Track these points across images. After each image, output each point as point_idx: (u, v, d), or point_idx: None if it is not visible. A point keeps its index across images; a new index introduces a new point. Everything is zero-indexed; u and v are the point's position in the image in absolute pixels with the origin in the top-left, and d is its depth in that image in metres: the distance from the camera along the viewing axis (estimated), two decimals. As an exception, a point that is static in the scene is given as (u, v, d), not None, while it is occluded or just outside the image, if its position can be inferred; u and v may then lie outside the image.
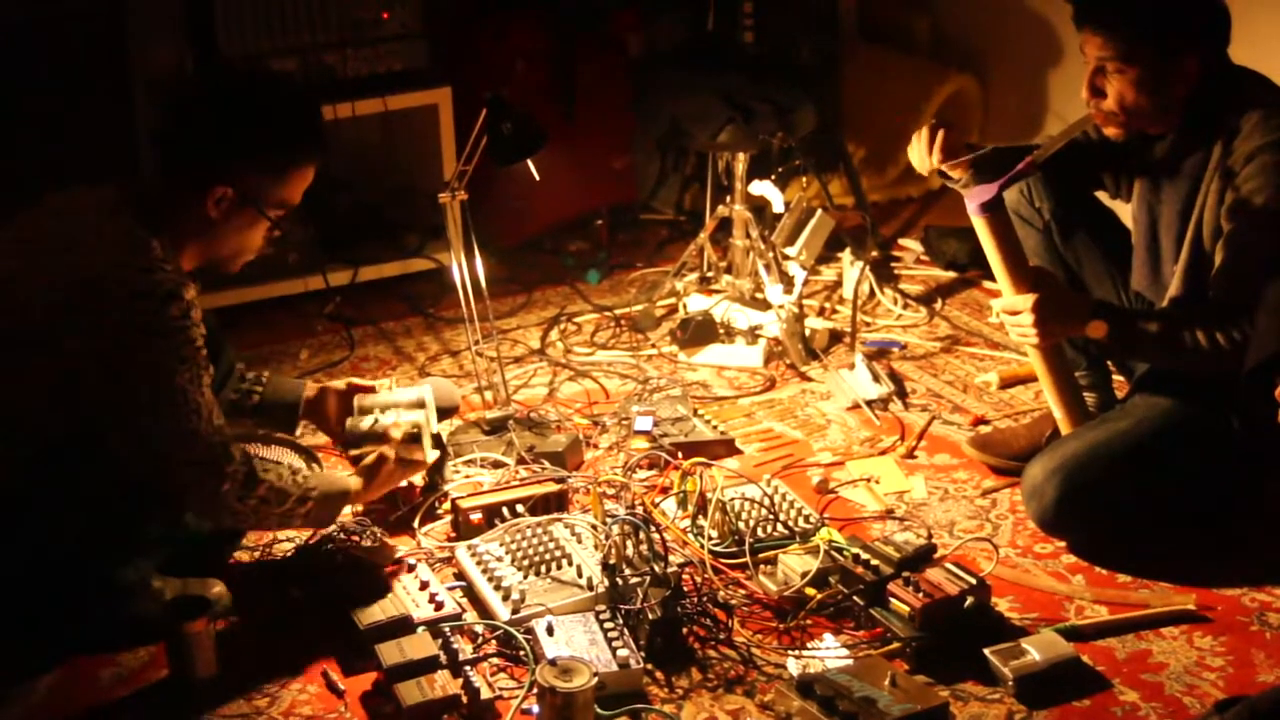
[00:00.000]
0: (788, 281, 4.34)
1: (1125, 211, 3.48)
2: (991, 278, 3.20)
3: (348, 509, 3.24)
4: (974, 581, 2.97)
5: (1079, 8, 3.13)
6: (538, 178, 3.72)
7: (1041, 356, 3.27)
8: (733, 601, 3.08)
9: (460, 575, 3.17)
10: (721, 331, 4.31)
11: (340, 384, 3.50)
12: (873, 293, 4.63)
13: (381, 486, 3.27)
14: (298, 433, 3.53)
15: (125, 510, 2.87)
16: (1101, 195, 3.50)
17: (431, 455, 3.34)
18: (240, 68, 3.07)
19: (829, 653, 2.90)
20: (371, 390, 3.47)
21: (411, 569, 3.12)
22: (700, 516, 3.25)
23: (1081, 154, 3.31)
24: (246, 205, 2.91)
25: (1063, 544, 3.30)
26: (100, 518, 2.84)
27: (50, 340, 2.77)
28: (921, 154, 3.33)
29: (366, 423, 3.32)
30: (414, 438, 3.30)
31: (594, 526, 3.21)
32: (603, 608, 2.95)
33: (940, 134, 3.30)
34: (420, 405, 3.40)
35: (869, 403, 3.95)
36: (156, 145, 2.95)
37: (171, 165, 2.92)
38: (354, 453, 3.30)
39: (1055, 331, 3.17)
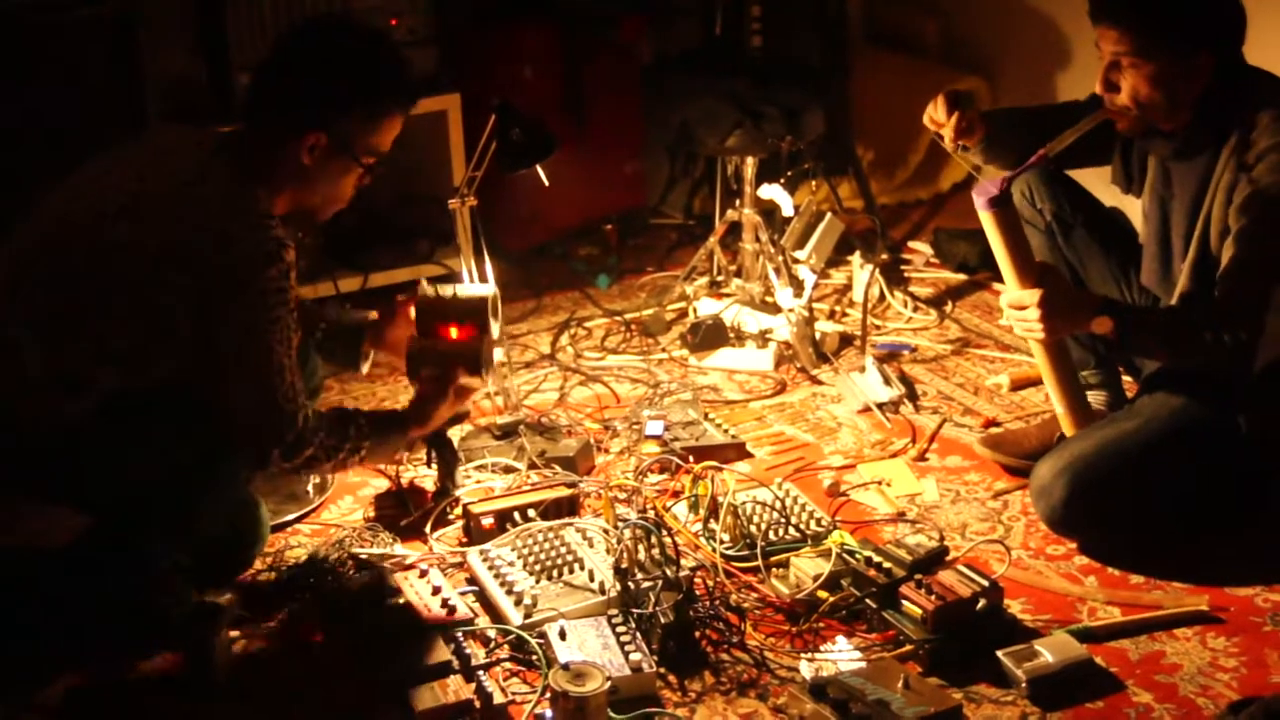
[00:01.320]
0: (798, 285, 4.34)
1: (1135, 208, 3.48)
2: (1001, 280, 3.20)
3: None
4: (986, 583, 2.97)
5: (1095, 2, 3.14)
6: (547, 183, 3.72)
7: (1045, 352, 3.26)
8: (745, 605, 3.08)
9: (472, 580, 3.17)
10: (732, 335, 4.31)
11: (402, 298, 3.51)
12: (883, 296, 4.63)
13: (438, 419, 3.32)
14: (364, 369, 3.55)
15: (188, 467, 2.88)
16: (1113, 189, 3.50)
17: (489, 374, 3.37)
18: (335, 18, 3.11)
19: (842, 655, 2.90)
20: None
21: (424, 574, 3.12)
22: (712, 520, 3.25)
23: (1094, 136, 3.31)
24: (340, 152, 2.94)
25: (1075, 546, 3.29)
26: (159, 475, 2.86)
27: (147, 284, 2.79)
28: (935, 119, 3.41)
29: (429, 350, 3.33)
30: (477, 316, 3.33)
31: (606, 531, 3.21)
32: (615, 612, 2.96)
33: (954, 119, 3.33)
34: (482, 308, 3.40)
35: (880, 405, 3.94)
36: (252, 91, 2.97)
37: (267, 111, 2.94)
38: (415, 379, 3.33)
39: (1060, 327, 3.17)
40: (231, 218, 2.82)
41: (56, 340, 2.82)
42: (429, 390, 3.30)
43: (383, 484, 3.62)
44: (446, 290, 3.40)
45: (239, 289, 2.80)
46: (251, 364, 2.85)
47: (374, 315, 3.51)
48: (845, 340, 4.37)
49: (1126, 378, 3.69)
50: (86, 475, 2.84)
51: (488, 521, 3.30)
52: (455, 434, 3.59)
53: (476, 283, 3.53)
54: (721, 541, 3.20)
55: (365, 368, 3.52)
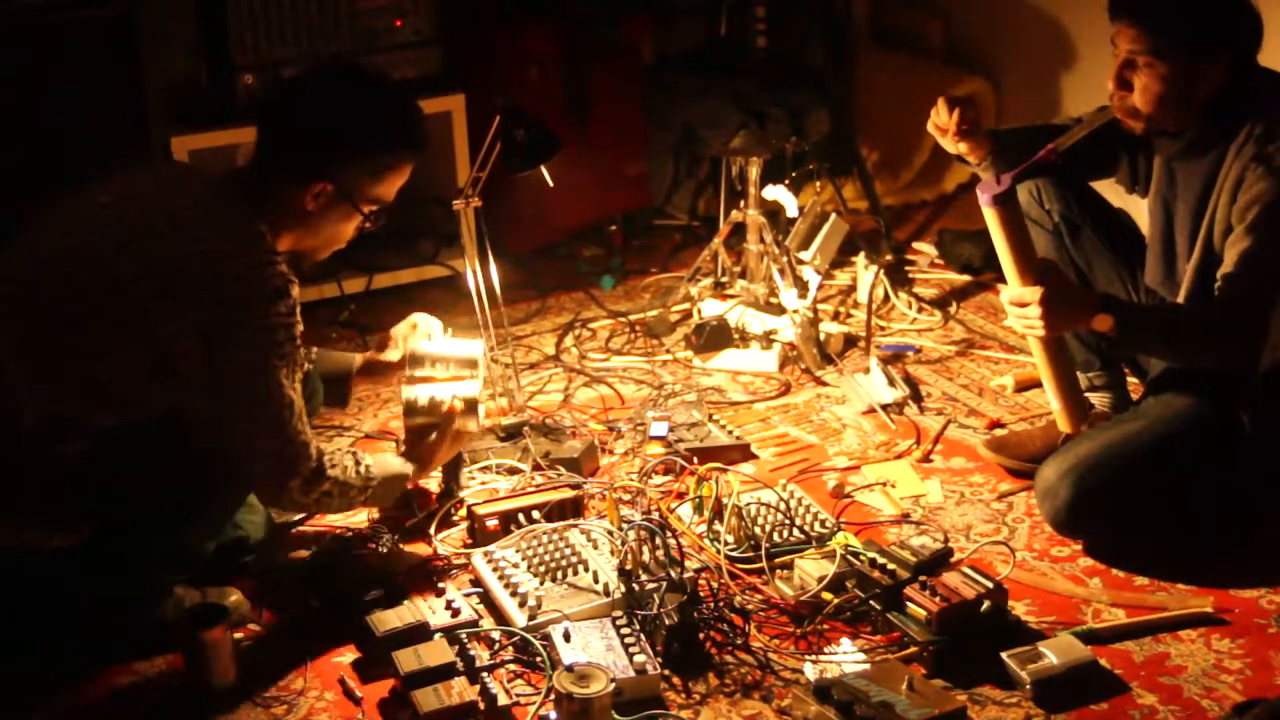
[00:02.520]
0: (802, 286, 4.34)
1: (1139, 207, 3.48)
2: (1005, 279, 3.20)
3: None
4: (991, 585, 2.97)
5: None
6: (551, 184, 3.72)
7: (1044, 349, 3.26)
8: (749, 606, 3.07)
9: (476, 582, 3.17)
10: (736, 336, 4.30)
11: (393, 356, 3.53)
12: (887, 297, 4.62)
13: (436, 462, 3.34)
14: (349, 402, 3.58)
15: (190, 495, 2.89)
16: (1118, 189, 3.50)
17: (481, 421, 3.39)
18: (348, 66, 3.13)
19: (846, 657, 2.90)
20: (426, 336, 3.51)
21: (441, 593, 3.12)
22: (716, 521, 3.24)
23: (1100, 144, 3.31)
24: (343, 200, 2.96)
25: (1079, 547, 3.29)
26: (157, 505, 2.87)
27: (151, 322, 2.78)
28: (938, 124, 3.41)
29: (423, 398, 3.33)
30: (468, 407, 3.32)
31: (610, 532, 3.21)
32: (619, 613, 2.96)
33: (956, 113, 3.33)
34: (473, 365, 3.42)
35: (884, 407, 3.94)
36: (262, 135, 2.97)
37: (275, 156, 2.94)
38: (410, 423, 3.35)
39: (1061, 324, 3.17)
40: (238, 254, 2.82)
41: (51, 381, 2.81)
42: (427, 435, 3.31)
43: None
44: (436, 348, 3.45)
45: (245, 324, 2.80)
46: (262, 399, 2.84)
47: (359, 359, 3.52)
48: (850, 341, 4.37)
49: (1132, 380, 3.68)
50: (81, 513, 2.85)
51: (492, 523, 3.30)
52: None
53: (454, 341, 3.53)
54: (726, 543, 3.19)
55: (349, 401, 3.57)
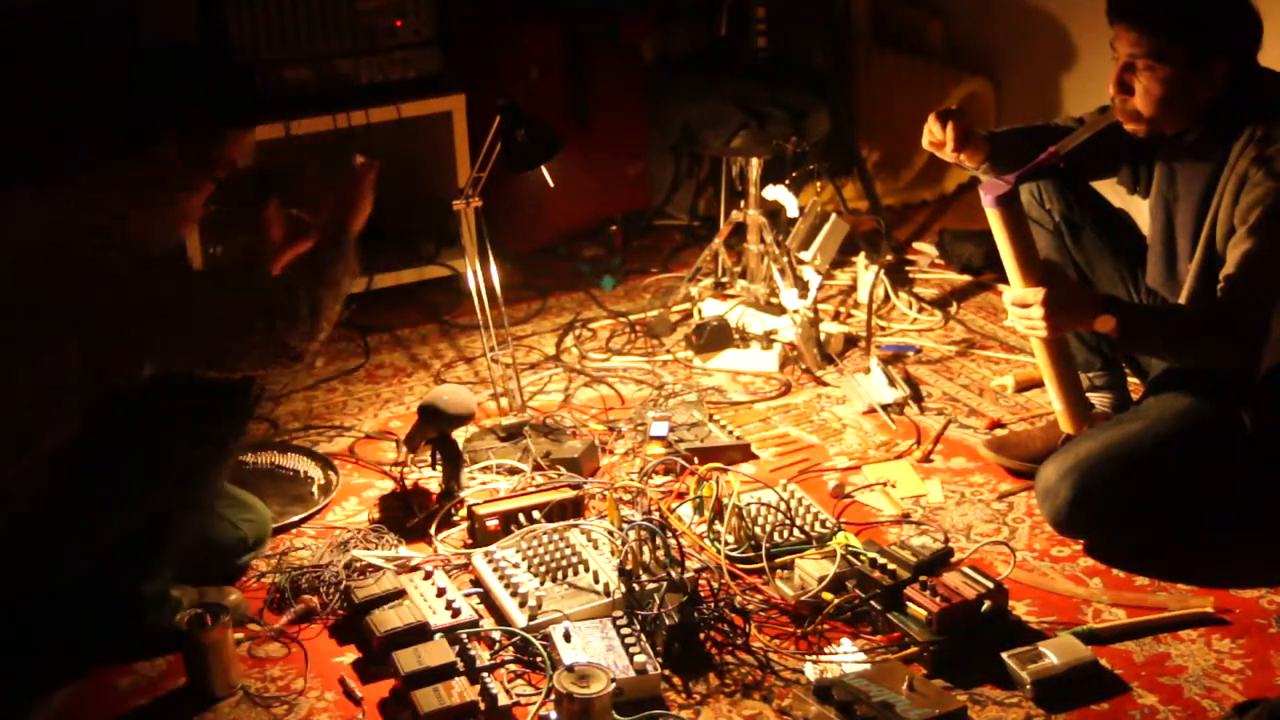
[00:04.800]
0: (802, 286, 4.34)
1: (1141, 208, 3.48)
2: (1006, 280, 3.20)
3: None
4: (991, 585, 2.97)
5: (1114, 2, 3.14)
6: (552, 184, 3.72)
7: (1046, 350, 3.26)
8: (749, 607, 3.08)
9: (477, 582, 3.17)
10: (736, 336, 4.30)
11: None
12: (887, 297, 4.62)
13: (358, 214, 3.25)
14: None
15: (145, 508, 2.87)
16: (1119, 190, 3.50)
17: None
18: (165, 44, 3.11)
19: (846, 657, 2.90)
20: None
21: (429, 576, 3.12)
22: (716, 522, 3.24)
23: (1101, 146, 3.31)
24: (191, 169, 2.92)
25: (1080, 547, 3.29)
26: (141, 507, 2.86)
27: (44, 327, 2.74)
28: (934, 140, 3.40)
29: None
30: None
31: (610, 532, 3.21)
32: (619, 614, 2.96)
33: (951, 125, 3.33)
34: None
35: (885, 407, 3.94)
36: (99, 121, 2.96)
37: (112, 140, 2.91)
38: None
39: (1063, 324, 3.17)
40: (71, 236, 2.77)
41: None
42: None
43: (387, 485, 3.62)
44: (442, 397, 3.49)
45: (124, 277, 2.76)
46: (204, 304, 2.83)
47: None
48: (850, 341, 4.36)
49: (1132, 380, 3.68)
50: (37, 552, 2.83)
51: (492, 523, 3.30)
52: (460, 435, 3.59)
53: (465, 397, 3.55)
54: (726, 543, 3.19)
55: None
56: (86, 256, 2.76)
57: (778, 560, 3.17)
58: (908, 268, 4.90)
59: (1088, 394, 3.50)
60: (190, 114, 2.91)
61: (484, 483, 3.57)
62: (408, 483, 3.61)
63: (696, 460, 3.50)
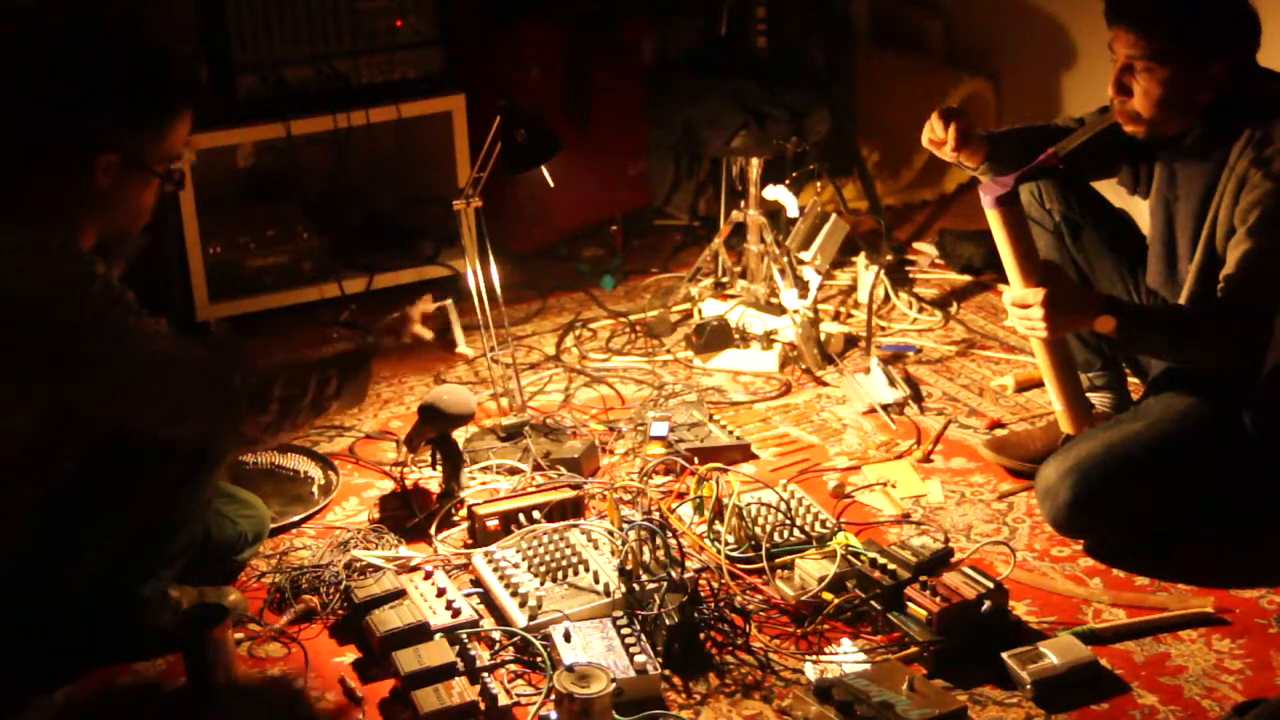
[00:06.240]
0: (803, 286, 4.34)
1: (1141, 209, 3.48)
2: (1006, 280, 3.20)
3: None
4: (991, 585, 2.97)
5: (1112, 5, 3.14)
6: (552, 184, 3.72)
7: (1047, 350, 3.26)
8: (750, 607, 3.07)
9: (477, 582, 3.17)
10: (737, 336, 4.30)
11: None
12: (888, 297, 4.62)
13: (398, 345, 3.19)
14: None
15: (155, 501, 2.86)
16: (1119, 190, 3.50)
17: (462, 348, 3.36)
18: (79, 31, 2.98)
19: (846, 657, 2.90)
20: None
21: (429, 576, 3.12)
22: (717, 522, 3.24)
23: (1101, 147, 3.31)
24: (134, 168, 2.80)
25: (1080, 547, 3.29)
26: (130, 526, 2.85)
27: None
28: (934, 139, 3.40)
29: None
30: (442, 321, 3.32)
31: (610, 532, 3.21)
32: (620, 614, 2.95)
33: (953, 127, 3.33)
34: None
35: (885, 407, 3.94)
36: (28, 131, 2.78)
37: (46, 148, 2.76)
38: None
39: (1064, 325, 3.17)
40: (21, 274, 2.68)
41: None
42: (389, 322, 3.19)
43: (387, 485, 3.62)
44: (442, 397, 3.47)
45: (77, 330, 2.66)
46: (146, 371, 2.72)
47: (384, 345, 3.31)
48: (850, 341, 4.36)
49: (1132, 380, 3.68)
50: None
51: (492, 523, 3.30)
52: (460, 435, 3.59)
53: (465, 397, 3.53)
54: (726, 543, 3.19)
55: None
56: (55, 295, 2.68)
57: (778, 560, 3.16)
58: (908, 268, 4.90)
59: (1088, 394, 3.50)
60: (132, 110, 2.78)
61: (484, 483, 3.57)
62: (408, 483, 3.61)
63: (697, 460, 3.50)
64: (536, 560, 3.14)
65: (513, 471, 3.60)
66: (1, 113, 2.78)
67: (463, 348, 3.37)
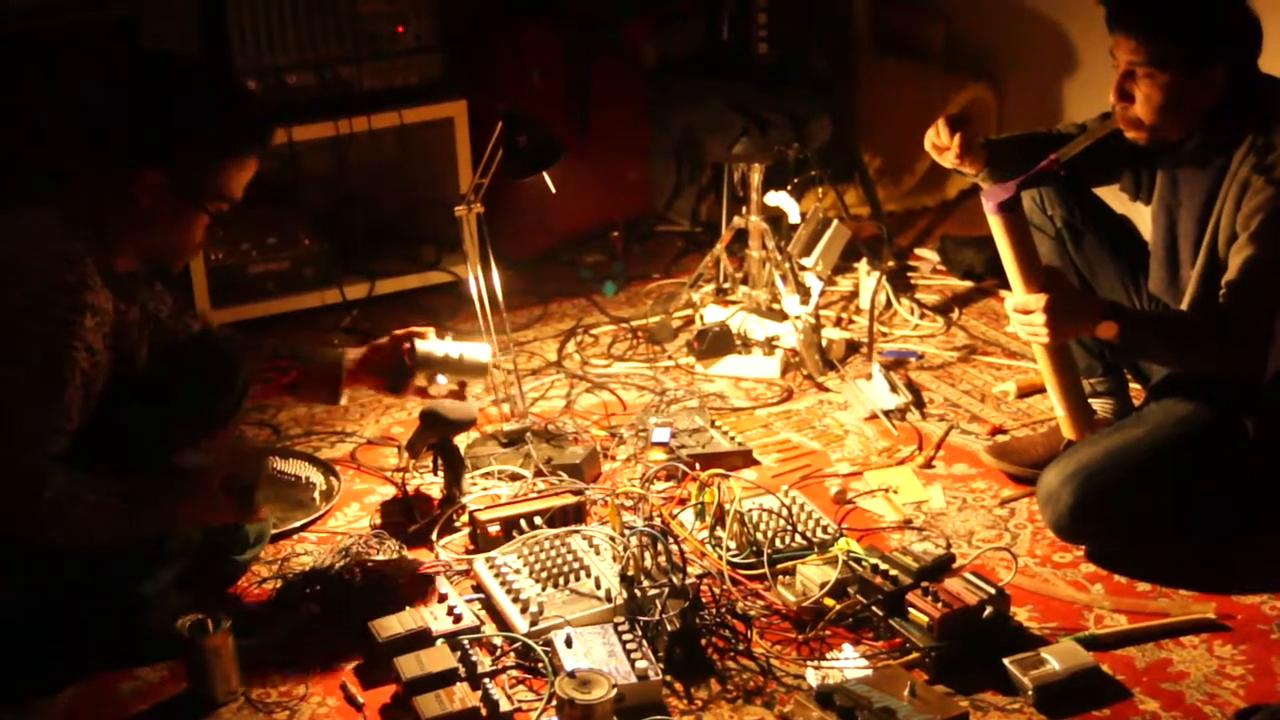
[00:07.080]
0: (804, 292, 4.34)
1: (1143, 214, 3.48)
2: (1008, 286, 3.20)
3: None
4: (993, 591, 2.97)
5: (1113, 11, 3.14)
6: (554, 190, 3.72)
7: (1048, 356, 3.26)
8: (751, 612, 3.07)
9: (478, 587, 3.17)
10: (738, 342, 4.30)
11: (383, 339, 3.39)
12: (889, 303, 4.63)
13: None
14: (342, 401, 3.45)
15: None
16: (1121, 196, 3.50)
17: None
18: (169, 56, 2.94)
19: (848, 663, 2.90)
20: (423, 336, 3.40)
21: (442, 599, 3.11)
22: (718, 528, 3.25)
23: (1102, 152, 3.32)
24: (182, 196, 2.78)
25: (1081, 553, 3.29)
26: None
27: None
28: (938, 144, 3.41)
29: (439, 349, 3.37)
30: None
31: (612, 538, 3.21)
32: (621, 619, 2.95)
33: (958, 137, 3.33)
34: (482, 370, 3.44)
35: (886, 413, 3.94)
36: (87, 131, 2.83)
37: (98, 150, 2.79)
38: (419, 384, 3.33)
39: (1066, 331, 3.17)
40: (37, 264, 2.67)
41: None
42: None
43: (389, 491, 3.62)
44: (445, 350, 3.42)
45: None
46: None
47: (351, 354, 3.37)
48: (852, 347, 4.36)
49: (1135, 386, 3.68)
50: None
51: (494, 529, 3.30)
52: (462, 441, 3.59)
53: (476, 346, 3.49)
54: (728, 549, 3.19)
55: (343, 400, 3.38)
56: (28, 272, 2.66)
57: (779, 566, 3.16)
58: (909, 273, 4.91)
59: (1090, 400, 3.51)
60: (188, 136, 2.76)
61: (486, 488, 3.57)
62: (409, 488, 3.61)
63: (698, 466, 3.50)
64: (538, 566, 3.14)
65: (514, 477, 3.60)
66: (76, 110, 2.83)
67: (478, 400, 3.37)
